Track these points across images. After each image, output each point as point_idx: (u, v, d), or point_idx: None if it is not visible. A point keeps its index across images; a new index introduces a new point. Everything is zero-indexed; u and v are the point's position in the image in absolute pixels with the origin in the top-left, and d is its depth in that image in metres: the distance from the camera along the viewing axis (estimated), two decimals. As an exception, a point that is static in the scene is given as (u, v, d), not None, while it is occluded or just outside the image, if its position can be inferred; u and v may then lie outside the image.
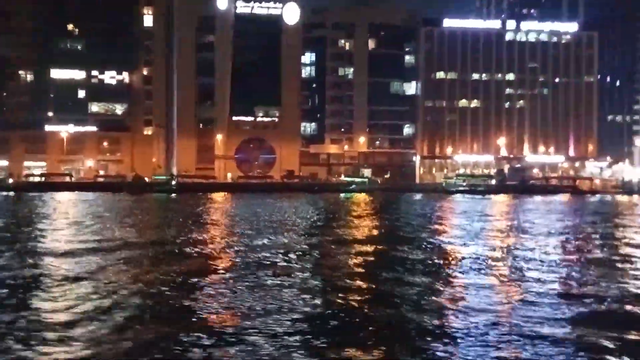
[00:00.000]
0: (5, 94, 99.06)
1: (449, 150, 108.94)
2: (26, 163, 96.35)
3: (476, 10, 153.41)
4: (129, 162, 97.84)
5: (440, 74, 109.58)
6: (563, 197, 77.62)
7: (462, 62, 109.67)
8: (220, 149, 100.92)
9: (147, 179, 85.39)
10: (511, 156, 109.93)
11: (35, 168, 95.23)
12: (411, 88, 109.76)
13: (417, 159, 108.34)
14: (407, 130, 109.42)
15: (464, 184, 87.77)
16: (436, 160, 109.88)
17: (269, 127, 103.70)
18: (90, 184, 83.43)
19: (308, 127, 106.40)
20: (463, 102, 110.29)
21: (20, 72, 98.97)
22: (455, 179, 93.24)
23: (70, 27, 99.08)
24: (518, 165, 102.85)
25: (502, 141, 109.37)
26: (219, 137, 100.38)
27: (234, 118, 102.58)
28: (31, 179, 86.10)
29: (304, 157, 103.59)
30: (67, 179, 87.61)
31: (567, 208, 53.43)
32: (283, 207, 45.75)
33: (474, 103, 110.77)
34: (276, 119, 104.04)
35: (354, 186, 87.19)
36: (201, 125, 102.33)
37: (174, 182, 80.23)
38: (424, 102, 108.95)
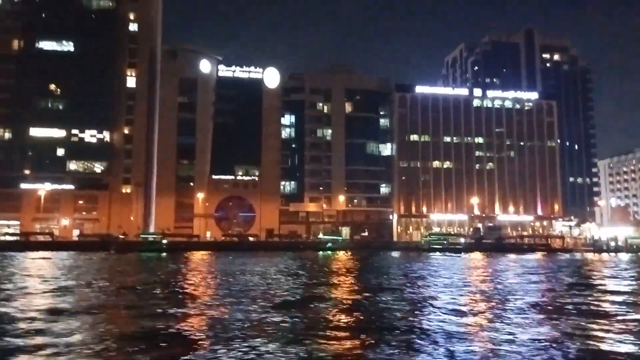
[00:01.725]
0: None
1: (424, 209, 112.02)
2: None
3: (442, 78, 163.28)
4: (106, 220, 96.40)
5: (414, 136, 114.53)
6: (537, 255, 79.54)
7: (433, 125, 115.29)
8: (200, 207, 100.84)
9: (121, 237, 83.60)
10: (484, 215, 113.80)
11: (9, 227, 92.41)
12: (387, 149, 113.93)
13: (394, 217, 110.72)
14: (384, 189, 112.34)
15: (445, 242, 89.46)
16: (412, 219, 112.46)
17: (249, 186, 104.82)
18: (72, 242, 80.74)
19: (287, 186, 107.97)
20: (436, 163, 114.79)
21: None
22: (429, 237, 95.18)
23: (52, 86, 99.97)
24: (491, 224, 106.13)
25: (475, 201, 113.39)
26: (200, 195, 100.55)
27: (214, 177, 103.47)
28: (8, 237, 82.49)
29: (283, 216, 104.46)
30: (43, 237, 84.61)
31: (543, 264, 55.15)
32: (269, 265, 45.97)
33: (447, 164, 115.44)
34: (256, 178, 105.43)
35: (330, 244, 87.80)
36: (181, 183, 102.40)
37: (164, 241, 78.41)
38: (399, 163, 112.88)
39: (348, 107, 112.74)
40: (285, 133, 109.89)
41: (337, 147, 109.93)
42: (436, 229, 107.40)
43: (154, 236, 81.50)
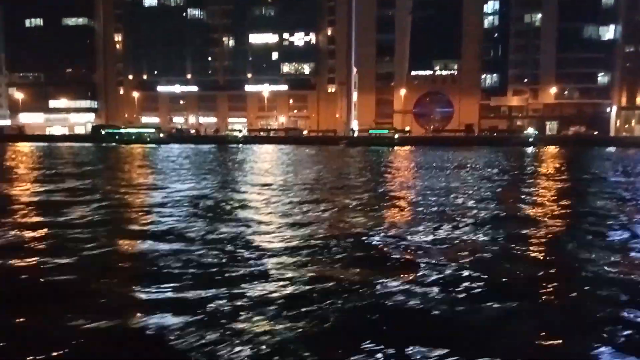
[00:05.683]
0: (210, 58, 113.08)
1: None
2: (230, 119, 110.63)
3: None
4: (315, 117, 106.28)
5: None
6: None
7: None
8: (400, 103, 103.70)
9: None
10: None
11: (236, 124, 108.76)
12: (608, 32, 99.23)
13: (612, 109, 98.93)
14: (602, 79, 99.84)
15: None
16: (636, 112, 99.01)
17: (447, 81, 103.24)
18: (303, 137, 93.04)
19: (489, 79, 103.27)
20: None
21: (224, 38, 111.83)
22: None
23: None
24: None
25: None
26: (402, 91, 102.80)
27: (413, 73, 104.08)
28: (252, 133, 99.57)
29: (483, 110, 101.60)
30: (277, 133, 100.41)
31: None
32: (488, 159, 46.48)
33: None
34: (455, 72, 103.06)
35: (531, 139, 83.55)
36: (380, 80, 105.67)
37: (396, 136, 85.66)
38: (624, 47, 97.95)
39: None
40: (488, 22, 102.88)
41: (547, 34, 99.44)
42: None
43: (385, 132, 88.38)
